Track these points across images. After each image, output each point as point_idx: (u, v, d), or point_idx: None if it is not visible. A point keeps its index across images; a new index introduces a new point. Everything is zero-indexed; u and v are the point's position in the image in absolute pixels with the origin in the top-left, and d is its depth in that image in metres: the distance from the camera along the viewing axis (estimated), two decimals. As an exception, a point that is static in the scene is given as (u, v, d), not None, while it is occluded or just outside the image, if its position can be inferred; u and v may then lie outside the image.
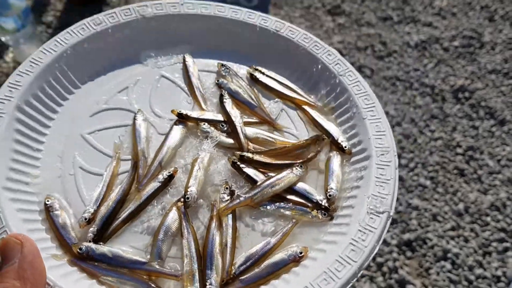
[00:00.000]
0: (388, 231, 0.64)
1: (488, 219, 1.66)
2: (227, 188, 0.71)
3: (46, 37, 2.18)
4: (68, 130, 0.77)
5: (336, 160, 0.75)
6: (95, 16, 0.85)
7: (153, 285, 0.62)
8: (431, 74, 2.13)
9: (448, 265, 1.55)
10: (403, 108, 1.99)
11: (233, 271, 0.63)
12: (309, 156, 0.76)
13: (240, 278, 0.63)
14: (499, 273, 1.52)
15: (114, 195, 0.70)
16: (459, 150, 1.85)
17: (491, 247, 1.58)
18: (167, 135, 0.78)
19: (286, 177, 0.72)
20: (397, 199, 0.69)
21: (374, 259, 1.48)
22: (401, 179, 1.76)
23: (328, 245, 0.64)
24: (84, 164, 0.74)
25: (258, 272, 0.64)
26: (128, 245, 0.66)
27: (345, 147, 0.76)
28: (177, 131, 0.78)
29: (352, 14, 2.44)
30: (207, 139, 0.77)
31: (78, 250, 0.63)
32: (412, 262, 1.57)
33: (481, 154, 1.85)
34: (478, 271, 1.52)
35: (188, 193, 0.68)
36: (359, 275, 0.60)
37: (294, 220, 0.68)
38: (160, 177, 0.71)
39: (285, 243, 0.67)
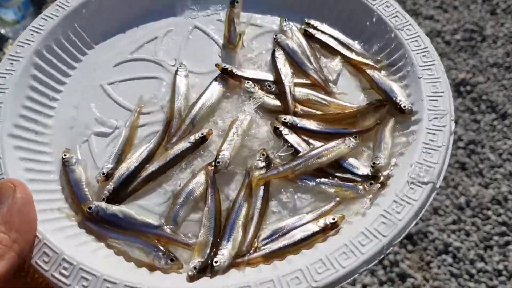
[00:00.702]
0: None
1: (489, 213, 1.64)
2: (263, 155, 0.64)
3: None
4: (88, 80, 0.73)
5: (388, 125, 0.66)
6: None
7: (162, 248, 0.57)
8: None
9: (449, 259, 1.54)
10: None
11: (255, 244, 0.57)
12: (366, 126, 0.67)
13: (267, 251, 0.56)
14: (500, 266, 1.51)
15: (138, 154, 0.65)
16: (460, 144, 1.84)
17: (492, 241, 1.57)
18: (203, 91, 0.71)
19: (336, 147, 0.64)
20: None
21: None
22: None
23: (355, 216, 0.58)
24: (99, 115, 0.70)
25: (287, 244, 0.57)
26: (144, 209, 0.62)
27: (404, 106, 0.67)
28: (216, 88, 0.71)
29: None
30: (250, 100, 0.70)
31: (88, 210, 0.59)
32: (413, 255, 1.55)
33: (483, 148, 1.83)
34: (480, 264, 1.51)
35: (220, 157, 0.62)
36: (387, 252, 0.52)
37: (337, 199, 0.61)
38: (192, 138, 0.65)
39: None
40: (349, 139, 0.64)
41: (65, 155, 0.65)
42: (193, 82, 0.74)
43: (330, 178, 0.63)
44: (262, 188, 0.61)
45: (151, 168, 0.64)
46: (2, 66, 0.67)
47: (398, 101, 0.68)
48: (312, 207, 0.61)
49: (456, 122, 1.87)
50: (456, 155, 1.80)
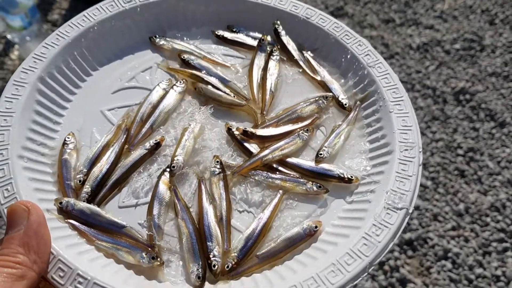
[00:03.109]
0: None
1: (488, 219, 1.67)
2: (217, 161, 0.71)
3: (51, 35, 2.18)
4: (88, 106, 0.77)
5: (346, 128, 0.75)
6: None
7: (148, 253, 0.61)
8: (432, 76, 2.13)
9: (449, 264, 1.57)
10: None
11: (234, 253, 0.63)
12: (311, 119, 0.77)
13: (257, 254, 0.63)
14: (498, 272, 1.54)
15: (106, 157, 0.71)
16: (459, 151, 1.86)
17: (491, 247, 1.60)
18: (162, 97, 0.78)
19: (293, 142, 0.73)
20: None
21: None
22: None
23: (339, 238, 0.63)
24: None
25: (275, 247, 0.64)
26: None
27: (345, 104, 0.78)
28: (173, 95, 0.79)
29: (355, 16, 2.42)
30: (200, 109, 0.78)
31: (59, 204, 0.64)
32: (413, 261, 1.58)
33: (481, 155, 1.86)
34: (478, 270, 1.54)
35: (174, 162, 0.69)
36: (369, 270, 0.58)
37: (280, 191, 0.69)
38: (147, 145, 0.72)
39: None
40: (302, 133, 0.74)
41: (68, 136, 0.71)
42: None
43: (276, 172, 0.71)
44: (222, 188, 0.68)
45: (115, 175, 0.70)
46: (8, 91, 0.71)
47: (340, 99, 0.79)
48: (262, 195, 0.69)
49: (455, 130, 1.90)
50: (455, 162, 1.82)
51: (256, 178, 0.70)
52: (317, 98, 0.79)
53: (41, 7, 2.24)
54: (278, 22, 0.87)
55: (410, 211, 0.63)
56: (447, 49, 2.22)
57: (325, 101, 0.78)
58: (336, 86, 0.81)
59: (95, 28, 0.80)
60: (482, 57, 2.17)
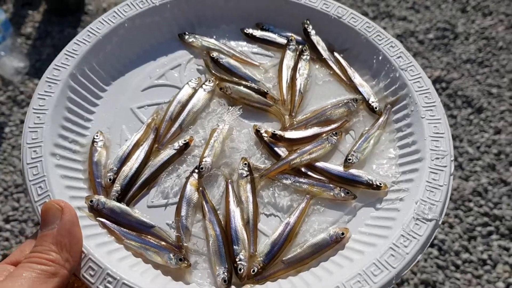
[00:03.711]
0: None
1: (471, 204, 1.67)
2: (245, 164, 0.70)
3: (26, 49, 2.15)
4: (118, 103, 0.78)
5: (375, 132, 0.74)
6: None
7: (176, 254, 0.62)
8: (408, 67, 2.13)
9: (435, 251, 1.56)
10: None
11: (260, 258, 0.63)
12: (340, 123, 0.76)
13: (283, 259, 0.63)
14: (484, 256, 1.53)
15: (135, 156, 0.72)
16: (439, 139, 1.87)
17: (476, 232, 1.59)
18: (191, 96, 0.78)
19: (321, 145, 0.72)
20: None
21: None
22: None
23: (366, 246, 0.62)
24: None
25: (301, 253, 0.63)
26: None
27: (376, 107, 0.76)
28: (202, 94, 0.78)
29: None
30: (229, 110, 0.77)
31: (89, 202, 0.64)
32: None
33: (461, 142, 1.86)
34: (465, 255, 1.54)
35: (202, 163, 0.69)
36: (395, 282, 0.57)
37: (308, 196, 0.68)
38: (176, 145, 0.72)
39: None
40: (331, 136, 0.73)
41: (97, 134, 0.72)
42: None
43: (303, 177, 0.71)
44: (249, 191, 0.68)
45: (143, 175, 0.70)
46: (41, 88, 0.71)
47: (370, 102, 0.77)
48: (291, 199, 0.69)
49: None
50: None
51: (284, 181, 0.70)
52: (346, 101, 0.77)
53: (13, 20, 2.24)
54: (308, 21, 0.85)
55: (440, 222, 0.61)
56: (421, 39, 2.22)
57: (355, 104, 0.77)
58: (366, 89, 0.79)
59: (126, 25, 0.80)
60: (456, 45, 2.18)
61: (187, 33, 0.85)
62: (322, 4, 0.85)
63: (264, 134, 0.73)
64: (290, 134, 0.75)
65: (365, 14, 2.40)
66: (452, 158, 0.68)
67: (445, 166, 0.67)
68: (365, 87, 0.80)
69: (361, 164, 0.72)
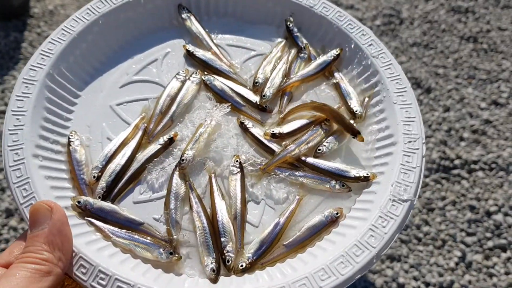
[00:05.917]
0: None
1: (427, 180, 1.72)
2: (237, 161, 0.72)
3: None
4: (97, 101, 0.78)
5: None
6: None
7: (166, 248, 0.63)
8: (358, 54, 2.18)
9: None
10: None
11: (249, 254, 0.64)
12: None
13: (284, 243, 0.66)
14: (442, 227, 1.59)
15: (121, 153, 0.72)
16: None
17: (433, 204, 1.65)
18: (179, 89, 0.79)
19: (317, 133, 0.75)
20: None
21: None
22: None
23: (347, 229, 0.64)
24: (112, 135, 0.75)
25: (300, 236, 0.66)
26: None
27: (356, 111, 0.77)
28: (190, 86, 0.80)
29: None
30: (218, 106, 0.78)
31: (76, 203, 0.65)
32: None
33: None
34: (425, 228, 1.60)
35: (184, 155, 0.70)
36: (376, 262, 0.60)
37: (298, 197, 0.70)
38: (161, 140, 0.74)
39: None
40: (324, 124, 0.76)
41: (71, 135, 0.72)
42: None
43: (300, 170, 0.72)
44: (239, 188, 0.70)
45: (130, 170, 0.71)
46: (18, 89, 0.70)
47: (352, 106, 0.78)
48: (287, 192, 0.71)
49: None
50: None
51: (278, 174, 0.72)
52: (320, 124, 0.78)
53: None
54: (291, 18, 0.87)
55: (415, 202, 0.65)
56: (369, 26, 2.27)
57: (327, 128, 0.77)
58: (352, 95, 0.80)
59: (100, 21, 0.80)
60: (402, 30, 2.25)
61: (186, 8, 0.86)
62: None
63: (251, 128, 0.75)
64: (287, 128, 0.76)
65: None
66: (424, 141, 0.70)
67: (417, 149, 0.69)
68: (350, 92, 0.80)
69: (339, 153, 0.75)
